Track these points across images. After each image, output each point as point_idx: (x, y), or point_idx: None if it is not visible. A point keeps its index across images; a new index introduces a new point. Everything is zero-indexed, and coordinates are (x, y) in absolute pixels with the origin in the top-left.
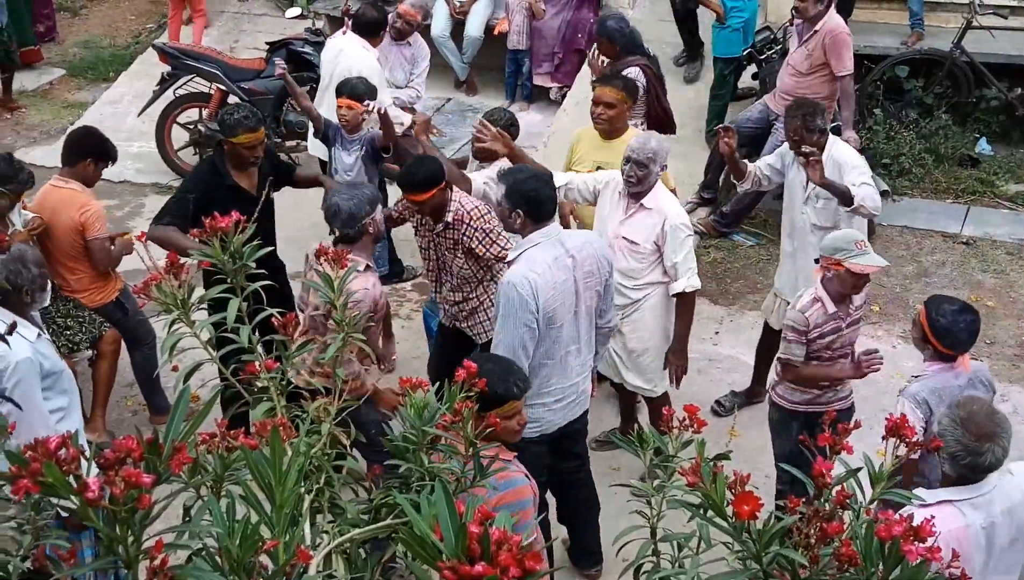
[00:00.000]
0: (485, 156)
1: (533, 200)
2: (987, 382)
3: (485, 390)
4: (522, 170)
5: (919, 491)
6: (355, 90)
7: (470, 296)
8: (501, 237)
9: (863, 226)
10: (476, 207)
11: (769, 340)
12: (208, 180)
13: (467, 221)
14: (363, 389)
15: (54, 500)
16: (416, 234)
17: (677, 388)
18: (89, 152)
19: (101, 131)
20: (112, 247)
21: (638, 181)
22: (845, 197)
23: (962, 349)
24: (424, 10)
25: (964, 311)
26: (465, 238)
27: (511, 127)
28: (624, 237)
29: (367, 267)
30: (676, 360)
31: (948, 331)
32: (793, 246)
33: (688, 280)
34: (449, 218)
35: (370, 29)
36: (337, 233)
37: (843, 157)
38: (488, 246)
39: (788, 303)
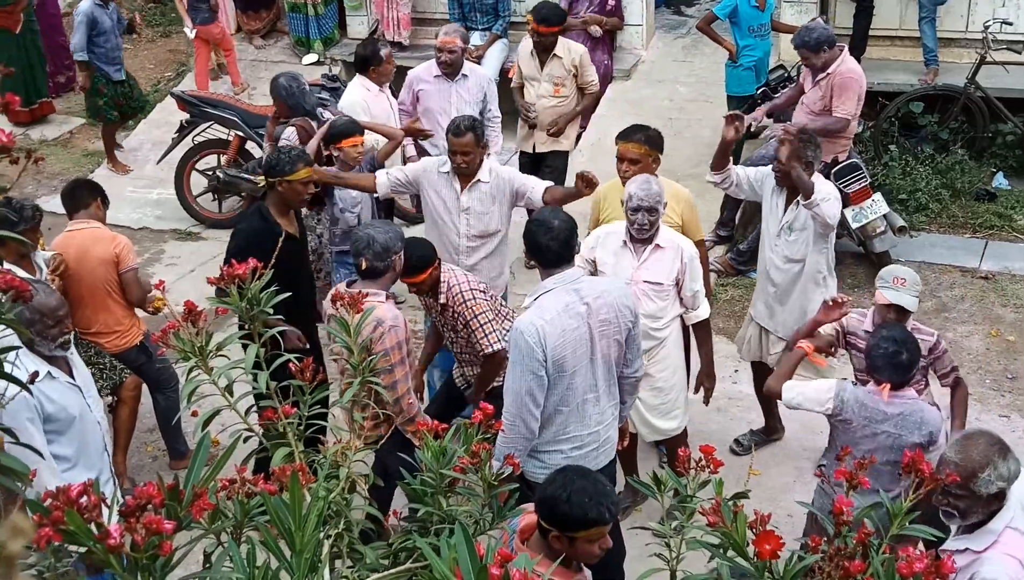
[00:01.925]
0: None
1: (530, 245)
2: (923, 429)
3: (569, 510)
4: (540, 214)
5: (962, 538)
6: (348, 129)
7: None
8: (486, 328)
9: (828, 257)
10: (461, 292)
11: (763, 378)
12: (261, 232)
13: (456, 304)
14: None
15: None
16: (428, 314)
17: (707, 405)
18: (95, 193)
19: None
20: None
21: (651, 226)
22: (806, 188)
23: (876, 371)
24: (461, 34)
25: (891, 340)
26: (460, 321)
27: (473, 129)
28: (645, 281)
29: (387, 297)
30: (709, 382)
31: (869, 349)
32: (767, 277)
33: (706, 305)
34: (443, 300)
35: (360, 65)
36: (365, 266)
37: (824, 194)
38: (478, 338)
39: (766, 331)
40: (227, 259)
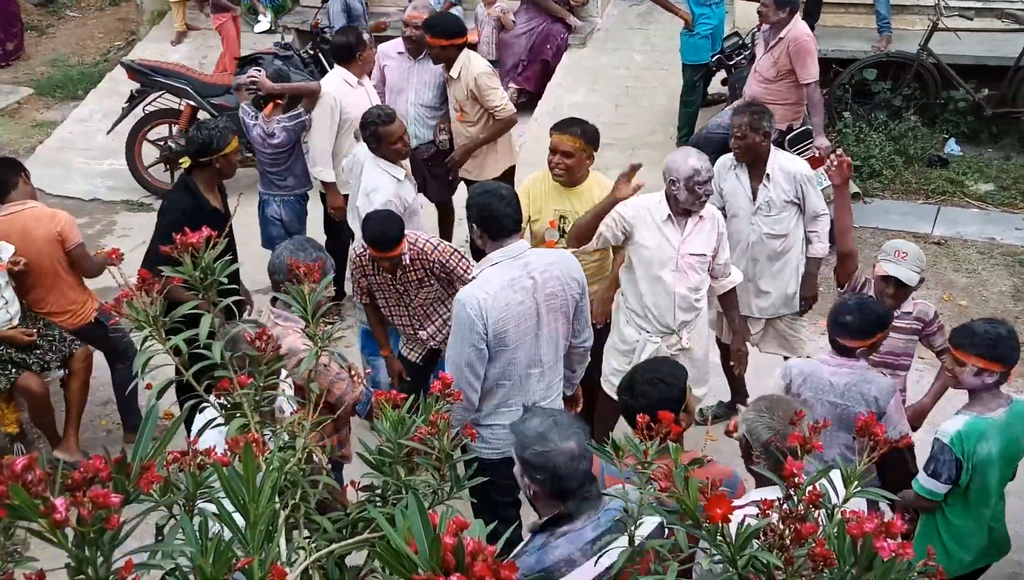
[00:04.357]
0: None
1: (485, 216)
2: (869, 399)
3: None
4: (483, 185)
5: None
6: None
7: (441, 317)
8: (462, 263)
9: (824, 229)
10: (428, 241)
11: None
12: (190, 208)
13: (425, 255)
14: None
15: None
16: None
17: (740, 375)
18: (17, 169)
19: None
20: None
21: (708, 196)
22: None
23: (833, 332)
24: (430, 9)
25: (855, 303)
26: (436, 268)
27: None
28: (691, 254)
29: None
30: (745, 348)
31: (832, 311)
32: (745, 258)
33: (736, 271)
34: (406, 260)
35: (343, 54)
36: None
37: (796, 168)
38: (457, 263)
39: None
40: (160, 236)
